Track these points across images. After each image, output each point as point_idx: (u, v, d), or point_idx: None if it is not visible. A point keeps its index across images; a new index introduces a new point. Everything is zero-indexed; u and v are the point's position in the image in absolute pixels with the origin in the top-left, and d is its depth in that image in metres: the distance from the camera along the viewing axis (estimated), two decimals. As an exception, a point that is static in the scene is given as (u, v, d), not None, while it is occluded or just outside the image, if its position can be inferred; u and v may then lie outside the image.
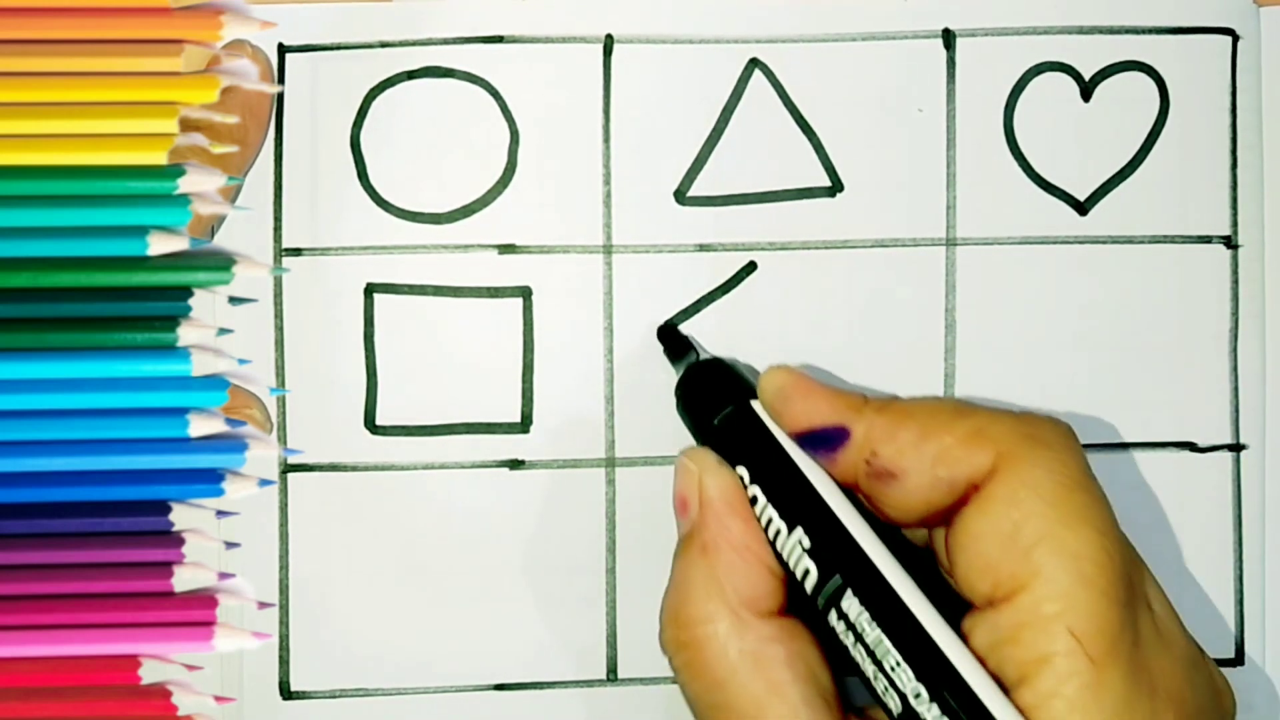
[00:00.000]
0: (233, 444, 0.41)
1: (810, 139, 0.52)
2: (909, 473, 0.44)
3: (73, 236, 0.40)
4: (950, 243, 0.53)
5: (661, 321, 0.52)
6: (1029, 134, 0.53)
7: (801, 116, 0.52)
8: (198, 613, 0.41)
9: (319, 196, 0.52)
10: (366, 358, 0.52)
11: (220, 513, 0.42)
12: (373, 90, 0.52)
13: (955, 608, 0.43)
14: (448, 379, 0.52)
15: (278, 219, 0.52)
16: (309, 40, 0.52)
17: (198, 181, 0.40)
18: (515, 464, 0.52)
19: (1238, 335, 0.53)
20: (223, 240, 0.50)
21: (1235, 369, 0.53)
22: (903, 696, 0.41)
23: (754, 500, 0.46)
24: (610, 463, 0.52)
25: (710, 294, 0.52)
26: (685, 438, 0.52)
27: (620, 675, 0.53)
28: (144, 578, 0.41)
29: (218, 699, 0.42)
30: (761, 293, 0.52)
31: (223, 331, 0.41)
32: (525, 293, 0.52)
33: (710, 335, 0.52)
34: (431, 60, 0.52)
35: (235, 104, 0.49)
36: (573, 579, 0.53)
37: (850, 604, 0.43)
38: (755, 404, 0.47)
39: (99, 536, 0.42)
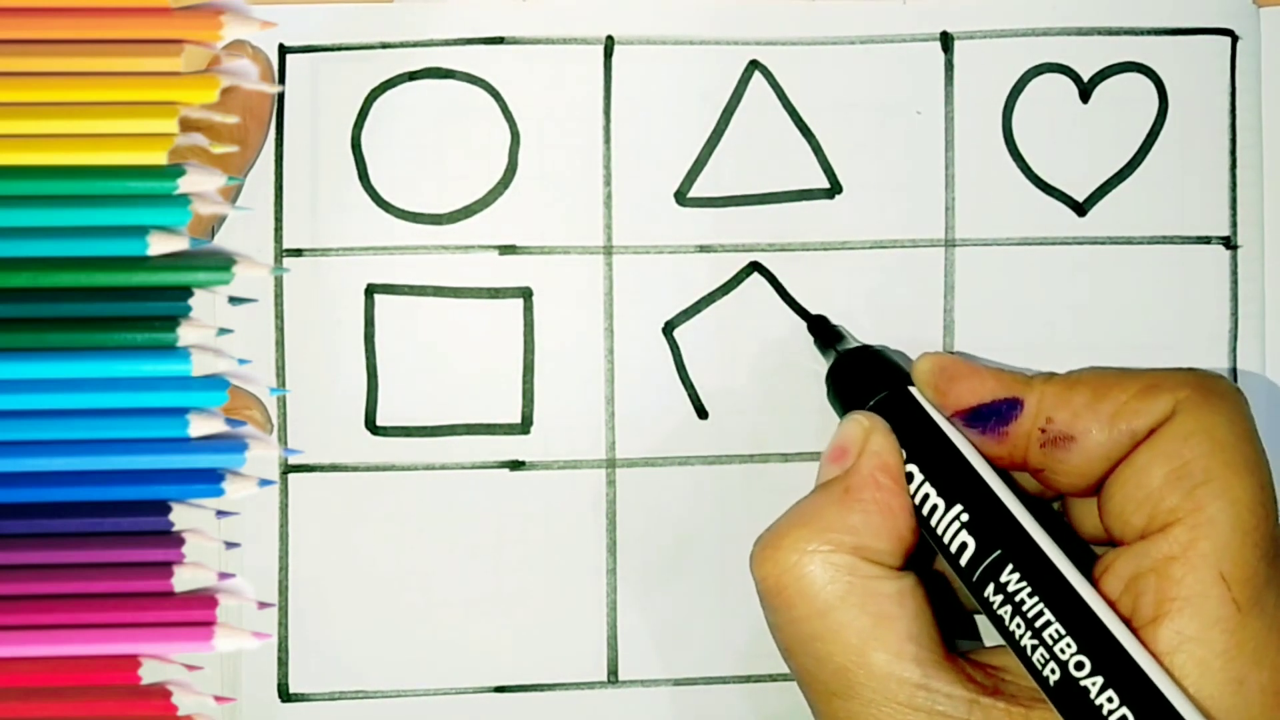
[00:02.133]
0: (233, 444, 0.41)
1: (809, 141, 0.52)
2: (1088, 433, 0.45)
3: (73, 236, 0.40)
4: (949, 244, 0.53)
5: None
6: (1028, 135, 0.53)
7: (801, 118, 0.52)
8: (198, 613, 0.41)
9: (319, 197, 0.52)
10: (367, 358, 0.52)
11: (220, 513, 0.42)
12: (373, 91, 0.52)
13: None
14: (448, 380, 0.52)
15: (278, 219, 0.52)
16: (310, 41, 0.52)
17: (198, 181, 0.40)
18: (516, 465, 0.52)
19: (1237, 336, 0.53)
20: (223, 240, 0.50)
21: (1235, 370, 0.53)
22: (1063, 666, 0.42)
23: (909, 477, 0.46)
24: (611, 464, 0.52)
25: (710, 295, 0.52)
26: (684, 435, 0.52)
27: (621, 677, 0.53)
28: (144, 578, 0.41)
29: (218, 699, 0.42)
30: (761, 294, 0.52)
31: (223, 331, 0.41)
32: (526, 293, 0.52)
33: (710, 336, 0.52)
34: (432, 61, 0.52)
35: (235, 104, 0.49)
36: (573, 580, 0.53)
37: (1009, 577, 0.43)
38: (911, 389, 0.48)
39: (99, 536, 0.41)
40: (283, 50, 0.52)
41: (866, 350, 0.51)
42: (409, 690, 0.52)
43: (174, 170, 0.40)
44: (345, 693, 0.52)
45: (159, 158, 0.40)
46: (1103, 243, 0.53)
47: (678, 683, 0.53)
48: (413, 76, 0.52)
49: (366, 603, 0.52)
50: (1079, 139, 0.53)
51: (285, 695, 0.52)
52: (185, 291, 0.41)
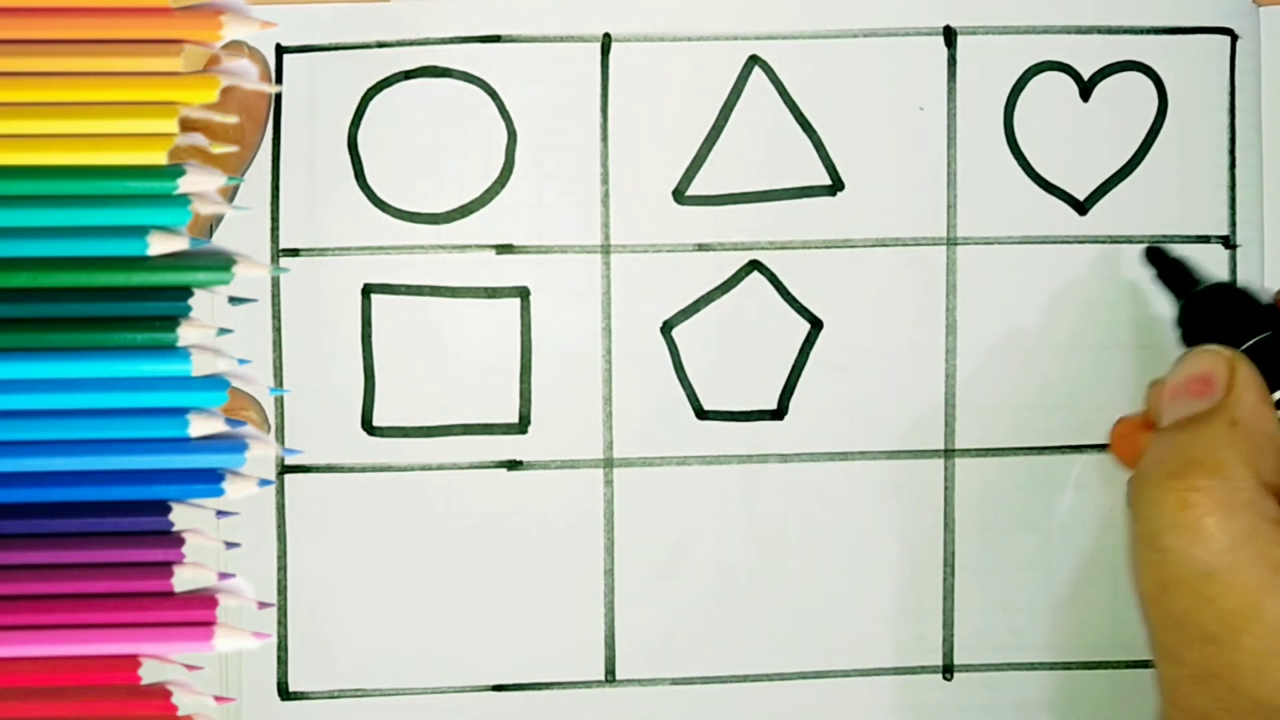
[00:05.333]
0: (233, 444, 0.41)
1: (810, 137, 0.52)
2: None
3: (73, 236, 0.40)
4: (950, 242, 0.53)
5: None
6: (1029, 133, 0.53)
7: (801, 114, 0.52)
8: (198, 613, 0.41)
9: (316, 197, 0.52)
10: (364, 358, 0.52)
11: (220, 513, 0.42)
12: (370, 90, 0.52)
13: None
14: (445, 380, 0.52)
15: (275, 219, 0.52)
16: (307, 41, 0.52)
17: (198, 181, 0.40)
18: (513, 464, 0.52)
19: (1236, 335, 0.53)
20: (219, 240, 0.50)
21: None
22: None
23: None
24: (608, 463, 0.52)
25: (710, 294, 0.52)
26: (682, 435, 0.52)
27: (618, 676, 0.53)
28: (144, 578, 0.41)
29: (217, 699, 0.41)
30: (761, 293, 0.52)
31: (223, 331, 0.41)
32: (523, 293, 0.52)
33: (709, 335, 0.52)
34: (429, 60, 0.52)
35: (232, 104, 0.49)
36: (571, 580, 0.53)
37: None
38: None
39: (99, 536, 0.41)
40: (280, 50, 0.52)
41: (1229, 288, 0.49)
42: (408, 689, 0.52)
43: (174, 170, 0.40)
44: (344, 691, 0.52)
45: (159, 158, 0.40)
46: (1103, 241, 0.53)
47: (675, 682, 0.53)
48: (409, 75, 0.52)
49: (365, 602, 0.52)
50: (1079, 137, 0.53)
51: (285, 694, 0.52)
52: (185, 291, 0.41)
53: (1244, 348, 0.45)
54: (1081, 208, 0.53)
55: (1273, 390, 0.44)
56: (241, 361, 0.41)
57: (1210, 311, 0.48)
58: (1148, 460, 0.44)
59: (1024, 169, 0.53)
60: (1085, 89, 0.53)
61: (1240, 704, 0.41)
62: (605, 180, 0.52)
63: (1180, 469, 0.43)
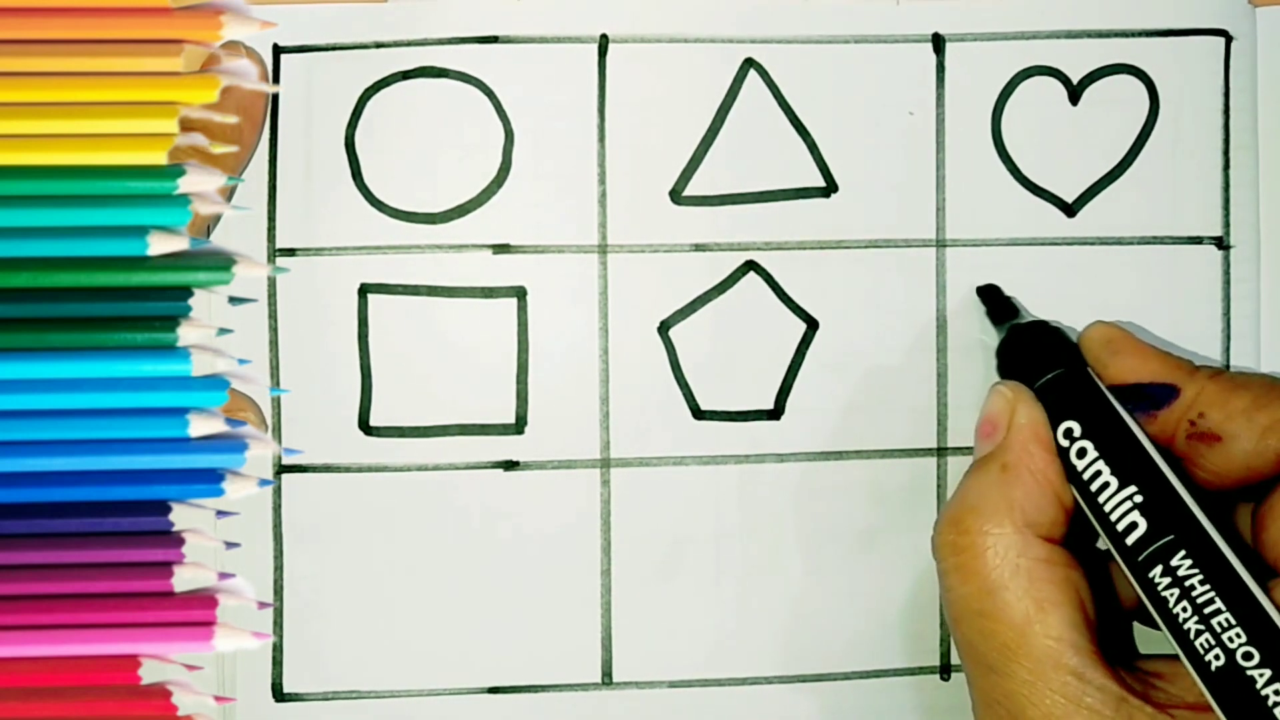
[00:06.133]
0: (233, 444, 0.41)
1: (805, 139, 0.52)
2: (1236, 438, 0.46)
3: (73, 236, 0.40)
4: (940, 244, 0.53)
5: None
6: (1017, 137, 0.53)
7: (796, 117, 0.52)
8: (198, 613, 0.41)
9: (313, 197, 0.52)
10: (360, 358, 0.52)
11: (220, 513, 0.42)
12: (367, 90, 0.52)
13: (1261, 574, 0.44)
14: (442, 380, 0.52)
15: (271, 219, 0.52)
16: (304, 41, 0.52)
17: (198, 181, 0.40)
18: (510, 465, 0.52)
19: (1230, 337, 0.53)
20: (216, 240, 0.50)
21: (1228, 369, 0.53)
22: (1229, 654, 0.43)
23: (1082, 453, 0.46)
24: (605, 463, 0.52)
25: (706, 294, 0.52)
26: (679, 435, 0.52)
27: (615, 678, 0.53)
28: (144, 578, 0.41)
29: (217, 699, 0.41)
30: (757, 293, 0.52)
31: (223, 331, 0.41)
32: (520, 293, 0.52)
33: (706, 335, 0.52)
34: (426, 60, 0.52)
35: (230, 104, 0.49)
36: (567, 581, 0.53)
37: (1181, 562, 0.44)
38: (1088, 369, 0.48)
39: (99, 536, 0.41)
40: (277, 50, 0.52)
41: (1041, 325, 0.51)
42: (403, 691, 0.52)
43: (174, 170, 0.40)
44: (339, 693, 0.52)
45: (159, 158, 0.40)
46: (1092, 243, 0.53)
47: (672, 684, 0.53)
48: (406, 76, 0.52)
49: (360, 603, 0.52)
50: (1069, 141, 0.53)
51: (279, 695, 0.52)
52: (185, 291, 0.41)
53: (1036, 385, 0.48)
54: (1070, 210, 0.53)
55: (1061, 424, 0.47)
56: (241, 362, 0.42)
57: (1018, 347, 0.50)
58: (946, 503, 0.48)
59: (1011, 172, 0.53)
60: (1074, 93, 0.53)
61: None
62: (602, 180, 0.52)
63: (957, 514, 0.47)
